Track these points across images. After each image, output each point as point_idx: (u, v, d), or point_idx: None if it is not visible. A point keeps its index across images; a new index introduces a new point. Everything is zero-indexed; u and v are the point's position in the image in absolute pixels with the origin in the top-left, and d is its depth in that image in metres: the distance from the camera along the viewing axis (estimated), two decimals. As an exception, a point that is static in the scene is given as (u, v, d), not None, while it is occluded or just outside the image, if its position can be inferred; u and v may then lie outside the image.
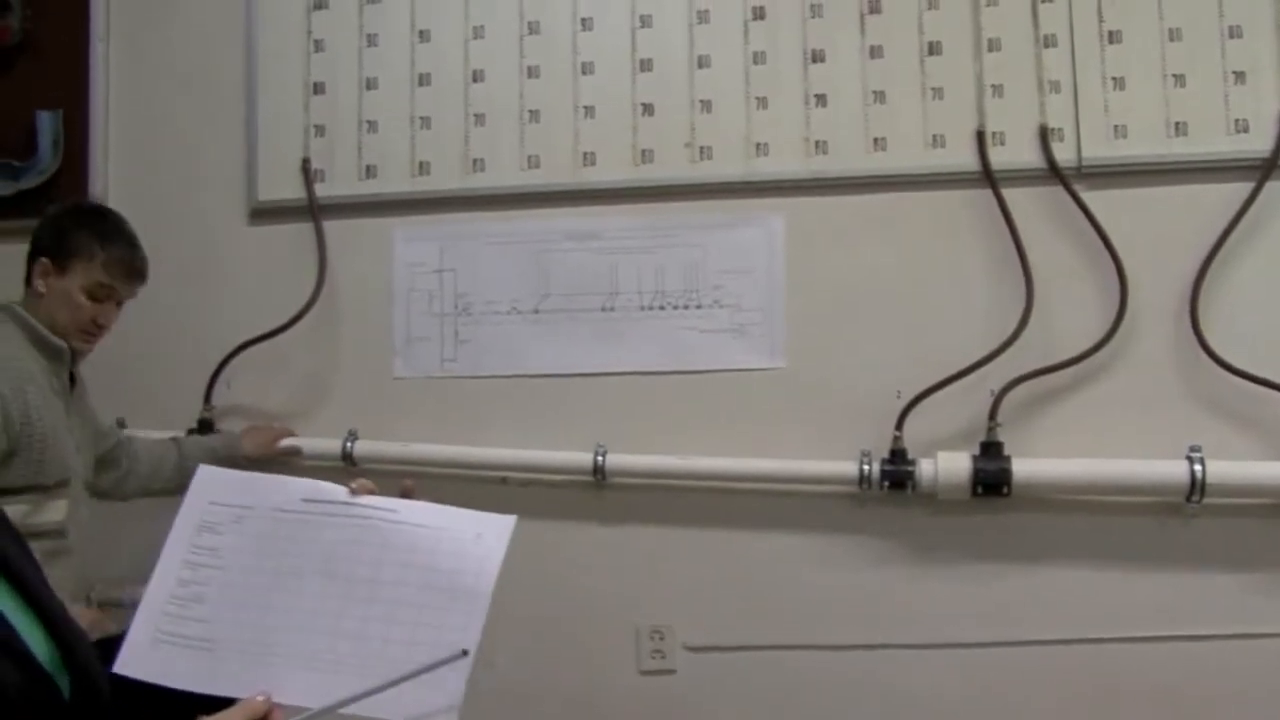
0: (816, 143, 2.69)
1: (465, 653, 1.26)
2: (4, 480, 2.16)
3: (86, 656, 1.28)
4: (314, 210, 2.88)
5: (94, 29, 3.00)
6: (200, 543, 1.37)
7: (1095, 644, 2.57)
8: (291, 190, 2.89)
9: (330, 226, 2.88)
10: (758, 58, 2.73)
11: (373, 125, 2.88)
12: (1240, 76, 2.53)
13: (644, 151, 2.76)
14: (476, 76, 2.84)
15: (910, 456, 2.57)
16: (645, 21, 2.77)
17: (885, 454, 2.58)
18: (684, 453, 2.67)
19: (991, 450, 2.52)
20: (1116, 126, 2.58)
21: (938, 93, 2.65)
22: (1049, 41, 2.61)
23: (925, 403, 2.58)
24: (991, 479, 2.49)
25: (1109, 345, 2.54)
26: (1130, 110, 2.58)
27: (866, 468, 2.57)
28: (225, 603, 1.33)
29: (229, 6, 2.96)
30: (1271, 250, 2.52)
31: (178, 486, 2.57)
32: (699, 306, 2.73)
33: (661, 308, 2.75)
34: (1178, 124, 2.56)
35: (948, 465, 2.51)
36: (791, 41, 2.71)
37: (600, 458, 2.69)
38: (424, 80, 2.86)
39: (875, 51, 2.68)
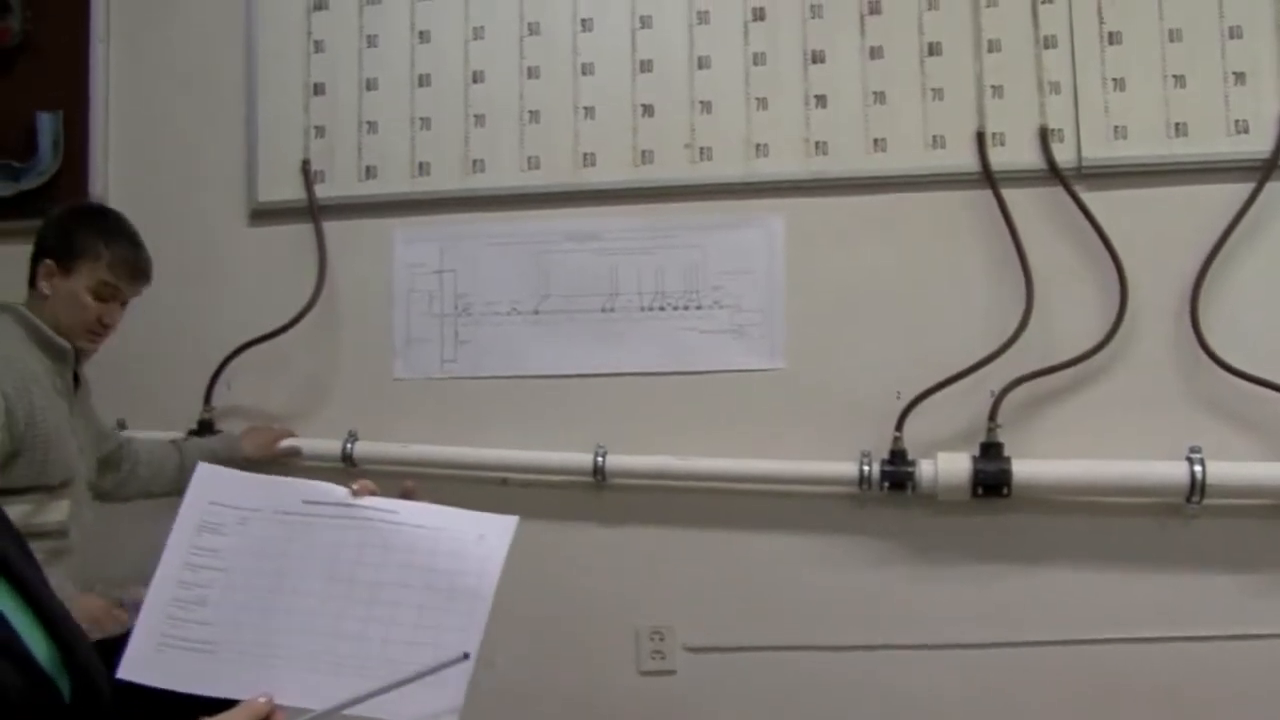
0: (816, 143, 2.69)
1: (466, 655, 1.26)
2: (7, 480, 2.16)
3: (87, 657, 1.28)
4: (314, 211, 2.88)
5: (94, 30, 3.00)
6: (201, 544, 1.37)
7: (1095, 645, 2.57)
8: (291, 191, 2.90)
9: (330, 227, 2.88)
10: (758, 58, 2.73)
11: (373, 126, 2.88)
12: (1240, 77, 2.53)
13: (644, 152, 2.76)
14: (476, 77, 2.84)
15: (910, 457, 2.57)
16: (645, 22, 2.77)
17: (885, 455, 2.58)
18: (684, 453, 2.68)
19: (991, 451, 2.52)
20: (1116, 127, 2.58)
21: (938, 93, 2.65)
22: (1049, 42, 2.61)
23: (925, 403, 2.58)
24: (991, 480, 2.49)
25: (1109, 346, 2.54)
26: (1130, 111, 2.57)
27: (866, 468, 2.57)
28: (227, 605, 1.33)
29: (229, 7, 2.97)
30: (1272, 251, 2.52)
31: (179, 489, 2.57)
32: (699, 307, 2.73)
33: (661, 308, 2.75)
34: (1178, 125, 2.56)
35: (948, 466, 2.51)
36: (791, 42, 2.71)
37: (600, 458, 2.69)
38: (424, 81, 2.86)
39: (875, 52, 2.68)
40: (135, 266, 2.39)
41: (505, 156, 2.82)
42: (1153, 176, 2.57)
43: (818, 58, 2.70)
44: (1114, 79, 2.58)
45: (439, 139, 2.84)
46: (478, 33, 2.84)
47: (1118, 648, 2.56)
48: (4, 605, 1.22)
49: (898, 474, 2.56)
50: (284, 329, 2.83)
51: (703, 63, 2.75)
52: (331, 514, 1.38)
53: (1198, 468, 2.42)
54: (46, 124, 2.96)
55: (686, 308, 2.74)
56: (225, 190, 2.96)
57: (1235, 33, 2.53)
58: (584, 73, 2.80)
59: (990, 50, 2.64)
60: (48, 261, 2.32)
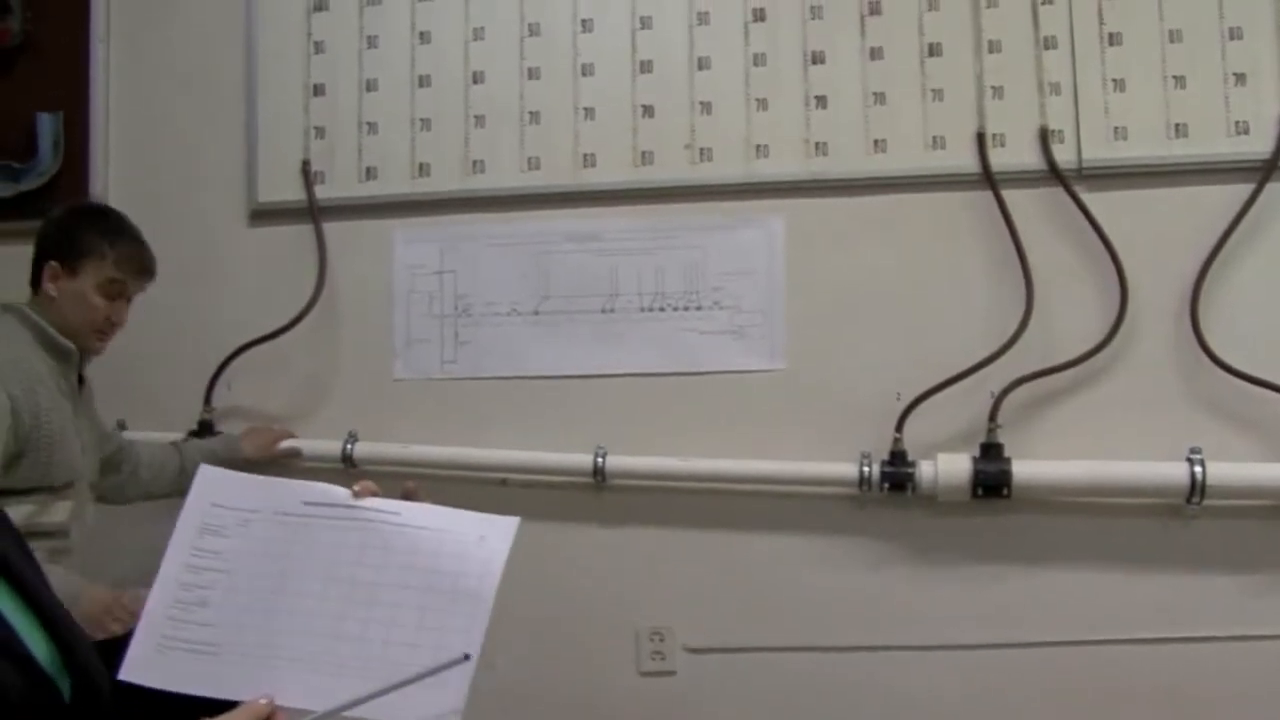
0: (816, 144, 2.69)
1: (467, 657, 1.26)
2: (12, 481, 2.16)
3: (86, 657, 1.28)
4: (314, 212, 2.88)
5: (94, 31, 3.00)
6: (203, 545, 1.37)
7: (1096, 645, 2.57)
8: (292, 192, 2.90)
9: (330, 228, 2.88)
10: (758, 59, 2.73)
11: (373, 127, 2.88)
12: (1240, 78, 2.53)
13: (644, 153, 2.76)
14: (477, 78, 2.84)
15: (910, 458, 2.57)
16: (645, 23, 2.77)
17: (885, 456, 2.58)
18: (684, 454, 2.68)
19: (992, 452, 2.52)
20: (1117, 128, 2.58)
21: (938, 94, 2.65)
22: (1049, 43, 2.61)
23: (925, 404, 2.58)
24: (992, 481, 2.49)
25: (1109, 347, 2.54)
26: (1130, 112, 2.58)
27: (866, 469, 2.57)
28: (229, 606, 1.33)
29: (229, 8, 2.97)
30: (1272, 252, 2.52)
31: (179, 492, 2.57)
32: (699, 308, 2.74)
33: (661, 309, 2.75)
34: (1178, 126, 2.56)
35: (948, 467, 2.51)
36: (791, 43, 2.71)
37: (600, 459, 2.69)
38: (424, 82, 2.86)
39: (875, 53, 2.68)
40: (140, 262, 2.40)
41: (505, 157, 2.82)
42: (1153, 177, 2.57)
43: (818, 58, 2.71)
44: (1114, 80, 2.58)
45: (439, 140, 2.84)
46: (478, 33, 2.84)
47: (1118, 648, 2.56)
48: (4, 605, 1.22)
49: (898, 475, 2.56)
50: (284, 330, 2.83)
51: (703, 63, 2.75)
52: (333, 515, 1.38)
53: (1198, 468, 2.42)
54: (46, 124, 2.96)
55: (686, 308, 2.74)
56: (225, 191, 2.96)
57: (1235, 34, 2.53)
58: (584, 73, 2.80)
59: (990, 51, 2.64)
60: (53, 264, 2.31)
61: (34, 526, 2.18)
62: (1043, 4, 2.62)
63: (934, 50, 2.66)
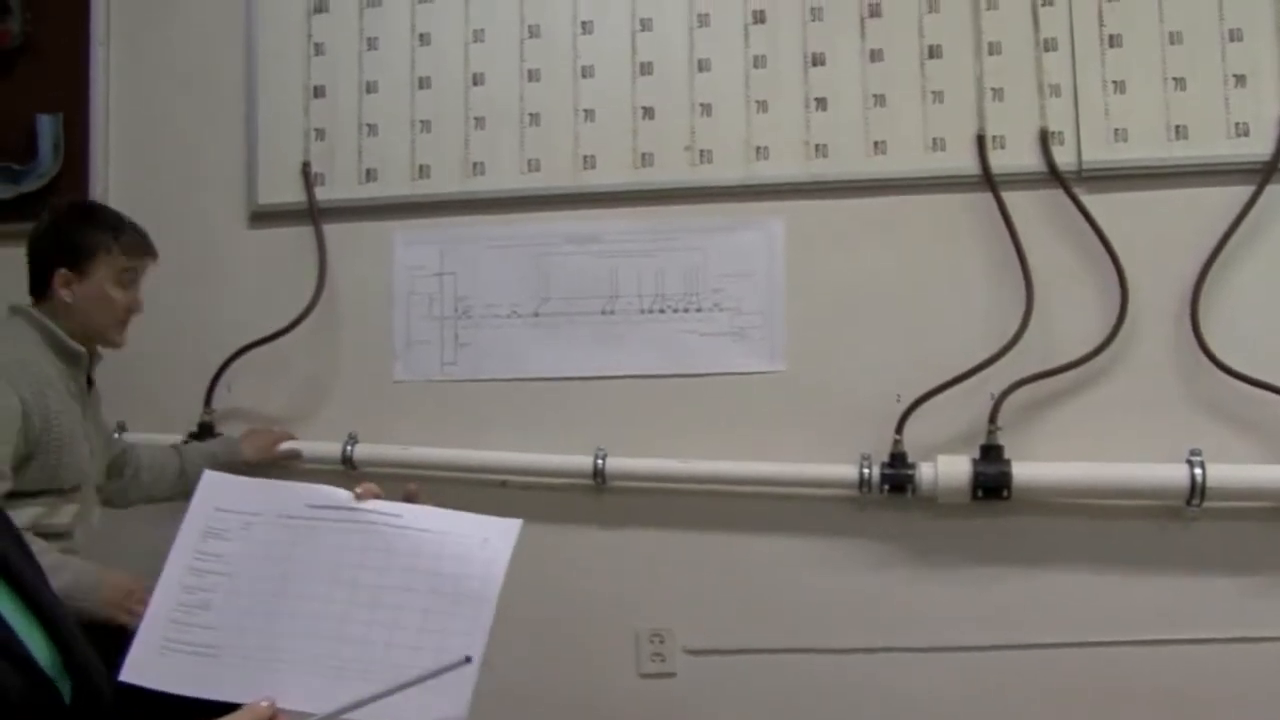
0: (816, 146, 2.69)
1: (469, 659, 1.26)
2: (21, 483, 2.16)
3: (86, 658, 1.28)
4: (314, 213, 2.88)
5: (94, 32, 3.00)
6: (206, 549, 1.37)
7: (1096, 647, 2.57)
8: (292, 193, 2.90)
9: (330, 230, 2.88)
10: (758, 61, 2.73)
11: (373, 128, 2.88)
12: (1241, 80, 2.53)
13: (644, 155, 2.76)
14: (477, 80, 2.84)
15: (910, 460, 2.57)
16: (645, 25, 2.77)
17: (885, 457, 2.58)
18: (684, 456, 2.68)
19: (991, 454, 2.53)
20: (1117, 130, 2.58)
21: (938, 96, 2.65)
22: (1049, 45, 2.61)
23: (925, 406, 2.58)
24: (992, 482, 2.49)
25: (1109, 349, 2.54)
26: (1131, 114, 2.58)
27: (866, 471, 2.57)
28: (231, 609, 1.33)
29: (229, 10, 2.97)
30: (1272, 254, 2.52)
31: (180, 495, 2.61)
32: (699, 310, 2.74)
33: (661, 311, 2.75)
34: (1178, 127, 2.56)
35: (948, 469, 2.51)
36: (791, 45, 2.71)
37: (600, 461, 2.69)
38: (424, 83, 2.86)
39: (875, 55, 2.68)
40: (144, 243, 2.41)
41: (505, 159, 2.82)
42: (1153, 179, 2.57)
43: (818, 60, 2.71)
44: (1114, 81, 2.58)
45: (439, 141, 2.84)
46: (478, 35, 2.84)
47: (1118, 650, 2.56)
48: (3, 607, 1.22)
49: (898, 477, 2.56)
50: (284, 331, 2.83)
51: (703, 65, 2.75)
52: (335, 518, 1.38)
53: (1198, 470, 2.42)
54: (47, 126, 2.96)
55: (687, 310, 2.74)
56: (225, 192, 2.96)
57: (1235, 35, 2.53)
58: (584, 75, 2.80)
59: (990, 53, 2.64)
60: (61, 271, 2.30)
61: (41, 529, 2.18)
62: (1043, 6, 2.62)
63: (934, 52, 2.66)
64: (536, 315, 2.80)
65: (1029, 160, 2.61)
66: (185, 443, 2.79)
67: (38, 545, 2.09)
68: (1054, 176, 2.58)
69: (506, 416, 2.80)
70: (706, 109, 2.74)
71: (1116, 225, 2.55)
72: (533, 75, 2.82)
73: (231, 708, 1.21)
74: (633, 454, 2.70)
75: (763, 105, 2.72)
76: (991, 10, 2.64)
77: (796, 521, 2.68)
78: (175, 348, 2.90)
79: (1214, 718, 2.53)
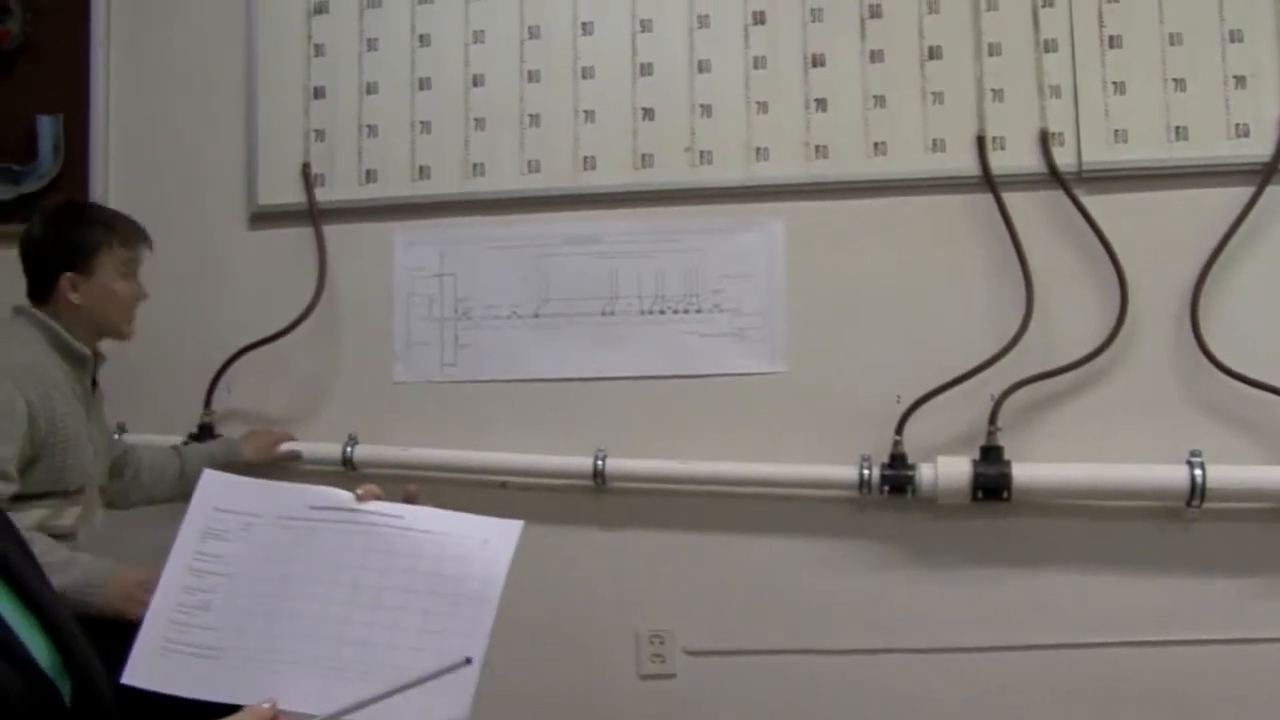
0: (817, 147, 2.69)
1: (469, 661, 1.26)
2: (26, 485, 2.16)
3: (87, 659, 1.28)
4: (314, 214, 2.88)
5: (94, 33, 3.00)
6: (206, 550, 1.37)
7: (1095, 648, 2.57)
8: (292, 194, 2.90)
9: (330, 231, 2.88)
10: (758, 62, 2.73)
11: (373, 130, 2.88)
12: (1241, 81, 2.53)
13: (644, 156, 2.76)
14: (477, 81, 2.84)
15: (910, 461, 2.57)
16: (645, 26, 2.77)
17: (885, 458, 2.58)
18: (684, 457, 2.68)
19: (991, 455, 2.52)
20: (1117, 131, 2.58)
21: (938, 97, 2.65)
22: (1049, 46, 2.61)
23: (925, 407, 2.58)
24: (992, 484, 2.49)
25: (1109, 350, 2.54)
26: (1131, 115, 2.58)
27: (866, 472, 2.56)
28: (232, 610, 1.33)
29: (229, 10, 2.97)
30: (1272, 255, 2.52)
31: (180, 496, 2.61)
32: (699, 311, 2.74)
33: (661, 312, 2.75)
34: (1178, 128, 2.56)
35: (948, 470, 2.51)
36: (792, 46, 2.71)
37: (600, 462, 2.69)
38: (424, 85, 2.86)
39: (875, 56, 2.68)
40: (139, 231, 2.42)
41: (505, 160, 2.82)
42: (1153, 180, 2.57)
43: (818, 61, 2.71)
44: (1114, 82, 2.58)
45: (439, 142, 2.84)
46: (478, 36, 2.84)
47: (1118, 651, 2.56)
48: (4, 607, 1.22)
49: (898, 478, 2.56)
50: (284, 332, 2.83)
51: (703, 66, 2.75)
52: (336, 519, 1.38)
53: (1198, 471, 2.42)
54: (47, 127, 2.96)
55: (687, 311, 2.74)
56: (225, 193, 2.96)
57: (1236, 36, 2.53)
58: (584, 76, 2.80)
59: (990, 54, 2.64)
60: (68, 275, 2.30)
61: (46, 530, 2.19)
62: (1043, 7, 2.62)
63: (934, 53, 2.66)
64: (536, 316, 2.80)
65: (1029, 161, 2.61)
66: (185, 444, 2.79)
67: (47, 543, 2.11)
68: (1054, 177, 2.58)
69: (506, 417, 2.80)
70: (706, 110, 2.74)
71: (1116, 226, 2.55)
72: (533, 76, 2.82)
73: (232, 709, 1.21)
74: (633, 455, 2.70)
75: (763, 106, 2.72)
76: (992, 11, 2.64)
77: (796, 522, 2.68)
78: (175, 348, 2.90)
79: (1214, 719, 2.53)
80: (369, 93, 2.88)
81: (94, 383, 2.43)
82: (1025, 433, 2.57)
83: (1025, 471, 2.49)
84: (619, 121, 2.77)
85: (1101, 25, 2.59)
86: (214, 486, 1.43)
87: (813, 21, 2.71)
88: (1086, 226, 2.55)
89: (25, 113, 2.96)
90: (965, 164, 2.63)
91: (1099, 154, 2.58)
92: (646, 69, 2.77)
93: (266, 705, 1.21)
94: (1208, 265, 2.51)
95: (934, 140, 2.65)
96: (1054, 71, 2.61)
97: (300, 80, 2.92)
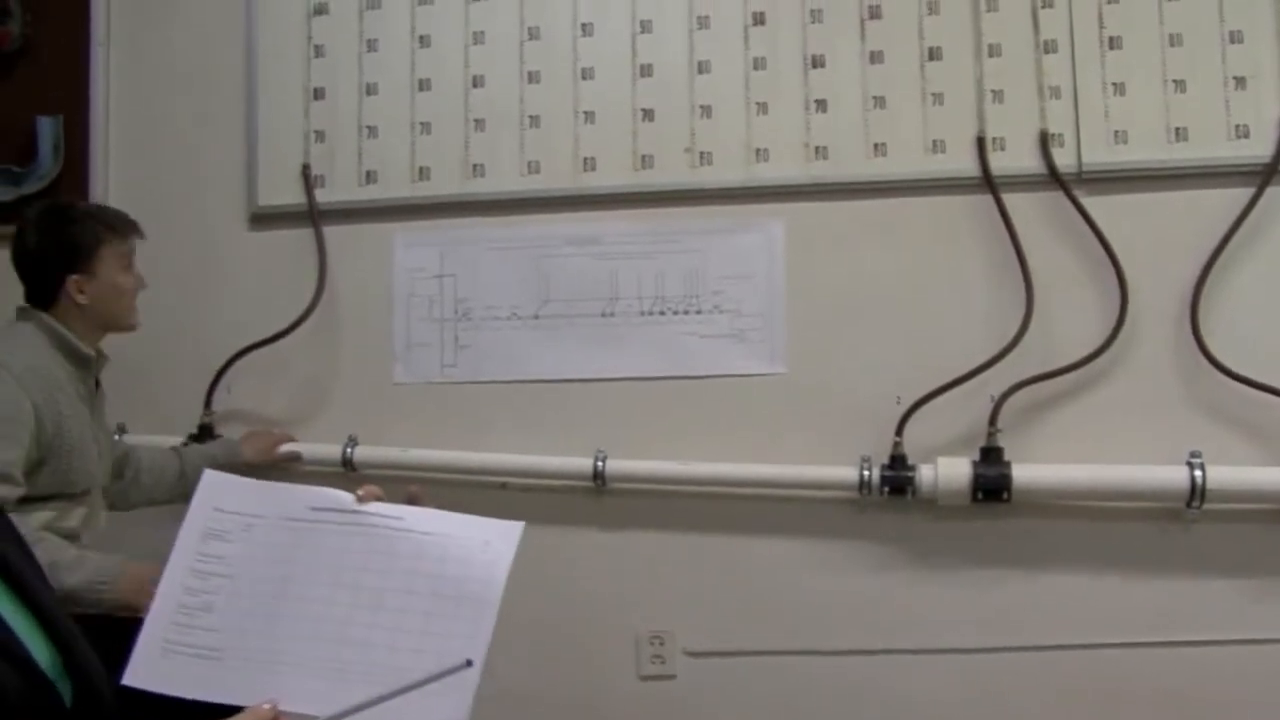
0: (817, 148, 2.69)
1: (469, 663, 1.26)
2: (32, 488, 2.17)
3: (87, 660, 1.28)
4: (314, 215, 2.88)
5: (94, 34, 3.00)
6: (207, 551, 1.37)
7: (1096, 649, 2.57)
8: (292, 195, 2.90)
9: (330, 232, 2.88)
10: (758, 63, 2.73)
11: (373, 130, 2.88)
12: (1241, 82, 2.53)
13: (644, 157, 2.76)
14: (477, 82, 2.84)
15: (910, 462, 2.57)
16: (645, 27, 2.77)
17: (885, 459, 2.58)
18: (684, 458, 2.68)
19: (992, 456, 2.52)
20: (1117, 132, 2.58)
21: (938, 98, 2.65)
22: (1049, 47, 2.61)
23: (925, 408, 2.58)
24: (992, 485, 2.49)
25: (1109, 351, 2.54)
26: (1131, 116, 2.58)
27: (867, 473, 2.56)
28: (233, 611, 1.33)
29: (229, 12, 2.97)
30: (1272, 255, 2.52)
31: (180, 497, 2.61)
32: (699, 312, 2.73)
33: (662, 313, 2.75)
34: (1178, 129, 2.56)
35: (948, 471, 2.51)
36: (792, 47, 2.71)
37: (600, 463, 2.69)
38: (424, 85, 2.86)
39: (875, 57, 2.68)
40: (129, 221, 2.42)
41: (505, 161, 2.82)
42: (1153, 181, 2.57)
43: (818, 62, 2.71)
44: (1114, 84, 2.58)
45: (439, 144, 2.85)
46: (478, 37, 2.84)
47: (1118, 652, 2.56)
48: (4, 608, 1.22)
49: (898, 479, 2.56)
50: (284, 333, 2.83)
51: (703, 67, 2.75)
52: (337, 520, 1.38)
53: (1198, 473, 2.42)
54: (47, 128, 2.96)
55: (686, 312, 2.74)
56: (226, 194, 2.96)
57: (1236, 37, 2.54)
58: (584, 77, 2.80)
59: (990, 55, 2.64)
60: (73, 277, 2.30)
61: (51, 532, 2.19)
62: (1043, 8, 2.62)
63: (934, 54, 2.66)
64: (536, 317, 2.80)
65: (1029, 162, 2.61)
66: (185, 445, 2.79)
67: (56, 543, 2.11)
68: (1054, 178, 2.58)
69: (506, 418, 2.80)
70: (706, 111, 2.74)
71: (1116, 227, 2.55)
72: (533, 77, 2.82)
73: (233, 710, 1.21)
74: (633, 456, 2.70)
75: (763, 107, 2.72)
76: (991, 12, 2.64)
77: (796, 523, 2.68)
78: (175, 349, 2.90)
79: (1214, 719, 2.53)
80: (369, 93, 2.88)
81: (97, 383, 2.43)
82: (1025, 434, 2.57)
83: (1025, 472, 2.49)
84: (619, 122, 2.77)
85: (1101, 26, 2.60)
86: (215, 487, 1.43)
87: (812, 22, 2.71)
88: (1086, 227, 2.55)
89: (25, 114, 2.96)
90: (965, 165, 2.63)
91: (1099, 155, 2.58)
92: (646, 70, 2.77)
93: (267, 706, 1.21)
94: (1208, 266, 2.51)
95: (934, 141, 2.65)
96: (1054, 72, 2.61)
97: (300, 81, 2.92)
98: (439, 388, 2.84)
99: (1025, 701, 2.60)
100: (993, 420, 2.54)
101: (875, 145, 2.67)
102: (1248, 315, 2.53)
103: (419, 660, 1.27)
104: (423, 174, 2.85)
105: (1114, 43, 2.59)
